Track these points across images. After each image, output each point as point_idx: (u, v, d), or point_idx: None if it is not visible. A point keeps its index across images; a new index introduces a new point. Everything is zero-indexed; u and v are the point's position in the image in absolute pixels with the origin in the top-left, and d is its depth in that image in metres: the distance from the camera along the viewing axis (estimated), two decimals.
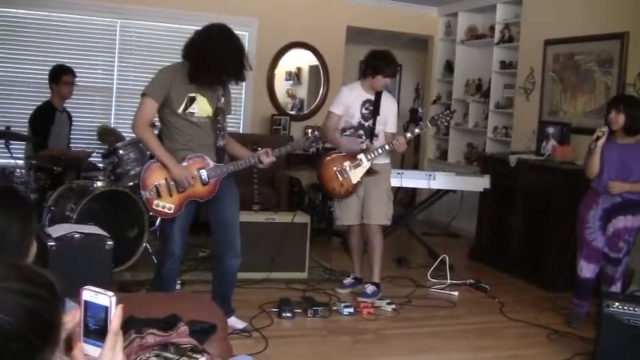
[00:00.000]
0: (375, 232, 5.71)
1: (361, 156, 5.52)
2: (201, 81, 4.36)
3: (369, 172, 5.57)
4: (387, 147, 5.51)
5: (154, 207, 4.45)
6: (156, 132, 4.76)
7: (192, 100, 4.39)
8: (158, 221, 5.06)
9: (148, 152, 4.65)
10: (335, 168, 5.59)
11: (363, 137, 5.62)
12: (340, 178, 5.58)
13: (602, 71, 6.74)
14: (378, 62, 5.61)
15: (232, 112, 4.98)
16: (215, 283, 4.82)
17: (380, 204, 5.68)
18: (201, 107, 4.43)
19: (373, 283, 5.72)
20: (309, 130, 4.92)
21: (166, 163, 4.35)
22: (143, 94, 4.38)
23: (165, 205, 4.43)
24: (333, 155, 5.64)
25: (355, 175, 5.56)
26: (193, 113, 4.40)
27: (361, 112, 5.66)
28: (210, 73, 4.32)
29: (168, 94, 4.33)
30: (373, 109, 5.66)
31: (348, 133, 5.67)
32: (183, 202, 4.45)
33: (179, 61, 4.44)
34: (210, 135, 4.49)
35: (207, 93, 4.44)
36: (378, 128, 5.67)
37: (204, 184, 4.46)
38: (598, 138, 5.04)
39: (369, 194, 5.67)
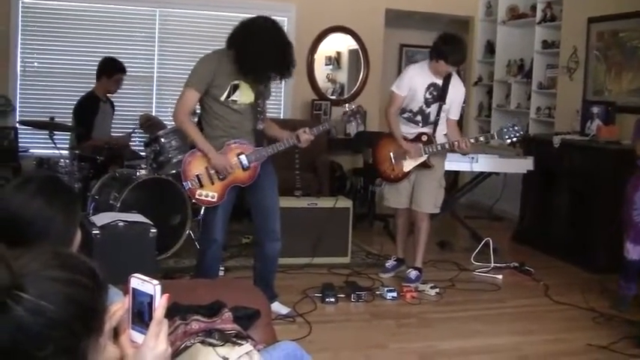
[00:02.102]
0: (422, 219, 5.65)
1: (420, 147, 5.46)
2: (246, 74, 4.34)
3: (423, 164, 5.50)
4: (446, 146, 5.42)
5: (197, 197, 4.48)
6: (195, 119, 4.77)
7: (235, 87, 4.39)
8: (202, 210, 5.08)
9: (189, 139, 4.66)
10: (390, 151, 5.55)
11: (420, 125, 5.50)
12: (393, 162, 5.54)
13: None
14: (444, 47, 5.33)
15: (273, 97, 4.94)
16: (257, 268, 4.83)
17: (430, 192, 5.59)
18: (244, 94, 4.43)
19: (416, 268, 5.69)
20: (346, 105, 4.83)
21: (205, 152, 4.38)
22: (185, 85, 4.39)
23: (209, 193, 4.45)
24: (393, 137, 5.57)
25: (408, 164, 5.51)
26: (236, 101, 4.40)
27: (424, 97, 5.45)
28: (254, 69, 4.30)
29: (212, 82, 4.33)
30: (438, 95, 5.46)
31: (405, 115, 5.55)
32: (225, 189, 4.47)
33: (222, 48, 4.43)
34: (250, 120, 4.49)
35: (250, 80, 4.42)
36: (441, 115, 5.50)
37: (244, 169, 4.47)
38: None
39: (419, 181, 5.58)
